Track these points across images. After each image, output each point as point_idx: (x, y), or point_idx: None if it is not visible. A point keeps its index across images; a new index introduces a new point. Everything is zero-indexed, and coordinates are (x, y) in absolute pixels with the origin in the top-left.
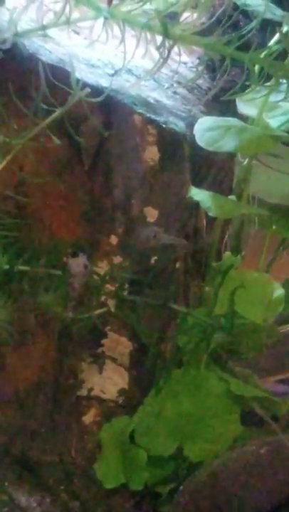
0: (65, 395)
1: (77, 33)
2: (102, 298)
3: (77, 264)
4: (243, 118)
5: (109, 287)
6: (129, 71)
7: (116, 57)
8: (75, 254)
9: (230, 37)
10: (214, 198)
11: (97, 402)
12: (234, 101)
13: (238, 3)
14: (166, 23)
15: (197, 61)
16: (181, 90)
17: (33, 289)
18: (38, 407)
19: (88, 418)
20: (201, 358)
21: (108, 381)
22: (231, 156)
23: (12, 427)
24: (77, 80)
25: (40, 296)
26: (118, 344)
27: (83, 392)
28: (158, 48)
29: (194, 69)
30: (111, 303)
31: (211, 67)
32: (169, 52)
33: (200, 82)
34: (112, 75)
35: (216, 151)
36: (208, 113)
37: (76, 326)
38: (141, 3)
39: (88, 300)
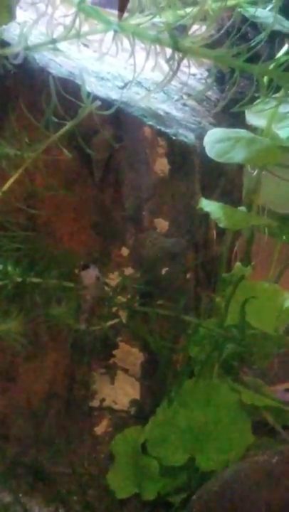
0: (77, 405)
1: (86, 46)
2: (114, 309)
3: (89, 276)
4: (252, 129)
5: (121, 298)
6: (139, 83)
7: (125, 70)
8: (86, 267)
9: (240, 49)
10: (224, 209)
11: (109, 413)
12: (243, 112)
13: (247, 15)
14: (176, 36)
15: (206, 73)
16: (190, 102)
17: (45, 300)
18: (51, 418)
19: (100, 429)
20: (212, 368)
21: (120, 392)
22: (240, 167)
23: (25, 438)
24: (88, 93)
25: (53, 308)
26: (129, 355)
27: (95, 403)
28: (168, 61)
29: (203, 81)
30: (122, 314)
31: (220, 79)
32: (179, 64)
33: (209, 93)
34: (122, 88)
35: (226, 162)
36: (217, 124)
37: (88, 338)
38: (150, 17)
39: (100, 311)
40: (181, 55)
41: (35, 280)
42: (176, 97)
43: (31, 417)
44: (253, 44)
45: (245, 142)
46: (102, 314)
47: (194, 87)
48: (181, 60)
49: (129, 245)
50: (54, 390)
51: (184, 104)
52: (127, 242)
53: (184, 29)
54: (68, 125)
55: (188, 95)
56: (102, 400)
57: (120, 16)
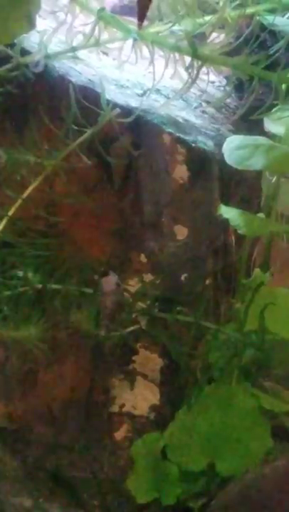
0: (97, 411)
1: (105, 53)
2: (134, 315)
3: (109, 282)
4: (270, 136)
5: (140, 305)
6: (158, 91)
7: (144, 78)
8: (106, 273)
9: (258, 56)
10: (243, 215)
11: (129, 418)
12: (261, 120)
13: (265, 22)
14: (195, 44)
15: (224, 80)
16: (209, 109)
17: (65, 307)
18: (70, 424)
19: (120, 434)
20: (231, 374)
21: (139, 397)
22: (258, 173)
23: (45, 443)
24: (108, 101)
25: (73, 314)
26: (149, 361)
27: (115, 409)
28: (187, 69)
29: (222, 88)
30: (142, 320)
31: (239, 86)
32: (198, 72)
33: (228, 101)
34: (141, 95)
35: (244, 169)
36: (236, 132)
37: (108, 344)
38: (170, 25)
39: (120, 318)
40: (200, 63)
41: (56, 286)
42: (195, 105)
43: (51, 422)
44: (271, 52)
45: (264, 149)
46: (122, 320)
47: (213, 94)
48: (200, 67)
49: (148, 252)
50: (74, 396)
51: (203, 112)
52: (146, 249)
53: (202, 37)
54: (88, 133)
55: (207, 102)
56: (122, 406)
57: (140, 25)
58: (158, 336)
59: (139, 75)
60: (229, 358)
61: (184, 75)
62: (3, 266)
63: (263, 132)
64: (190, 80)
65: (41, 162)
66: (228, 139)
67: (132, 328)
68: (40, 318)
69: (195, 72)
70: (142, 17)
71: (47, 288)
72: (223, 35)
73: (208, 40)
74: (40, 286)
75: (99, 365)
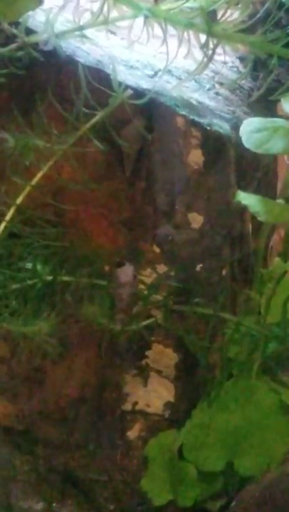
0: (109, 409)
1: (113, 33)
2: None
3: (126, 273)
4: (286, 118)
5: (156, 297)
6: (169, 72)
7: (155, 58)
8: (121, 264)
9: (277, 34)
10: (263, 202)
11: (142, 417)
12: (274, 101)
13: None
14: (210, 21)
15: (237, 61)
16: (223, 91)
17: (77, 300)
18: (81, 423)
19: (133, 433)
20: (251, 369)
21: (153, 394)
22: (275, 158)
23: (55, 443)
24: (119, 83)
25: (85, 307)
26: (163, 356)
27: (127, 407)
28: (202, 47)
29: (235, 69)
30: (156, 313)
31: (253, 67)
32: (214, 51)
33: (242, 82)
34: (152, 77)
35: (264, 153)
36: (252, 114)
37: (123, 338)
38: (183, 1)
39: (136, 311)
40: (216, 41)
41: (66, 279)
42: (208, 86)
43: (61, 421)
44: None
45: (284, 132)
46: (138, 313)
47: (226, 75)
48: (216, 46)
49: (161, 241)
50: (84, 394)
51: (217, 93)
52: (159, 238)
53: (213, 16)
54: (98, 116)
55: (221, 84)
56: (135, 403)
57: (156, 1)
58: (175, 329)
59: (149, 55)
60: (250, 352)
61: (198, 55)
62: (11, 258)
63: (277, 114)
64: (205, 60)
65: (51, 147)
66: (245, 122)
67: (147, 321)
68: (50, 313)
69: (210, 51)
70: None
71: (57, 280)
72: (234, 14)
73: (220, 19)
74: (49, 278)
75: (110, 361)
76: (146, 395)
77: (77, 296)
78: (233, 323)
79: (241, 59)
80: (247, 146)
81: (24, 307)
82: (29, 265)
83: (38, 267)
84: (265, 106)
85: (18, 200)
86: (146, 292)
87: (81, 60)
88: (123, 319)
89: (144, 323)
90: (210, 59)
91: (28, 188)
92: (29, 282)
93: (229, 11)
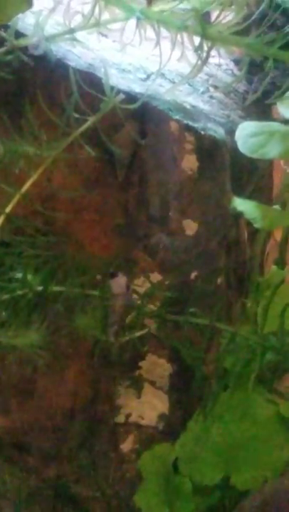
0: (101, 421)
1: (105, 35)
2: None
3: (119, 284)
4: (282, 122)
5: (151, 307)
6: (162, 75)
7: (147, 61)
8: (114, 274)
9: (273, 36)
10: (259, 208)
11: (136, 429)
12: (269, 104)
13: (279, 0)
14: (205, 23)
15: (232, 63)
16: (217, 94)
17: (69, 310)
18: (73, 436)
19: (126, 446)
20: (247, 380)
21: (147, 406)
22: (271, 162)
23: (45, 457)
24: (111, 87)
25: (77, 318)
26: (157, 366)
27: (120, 419)
28: (196, 50)
29: (229, 71)
30: (150, 323)
31: (248, 69)
32: (208, 53)
33: (236, 85)
34: (145, 80)
35: (260, 158)
36: (247, 118)
37: (116, 351)
38: (177, 3)
39: (129, 322)
40: (210, 44)
41: (57, 289)
42: (202, 89)
43: (52, 434)
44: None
45: (280, 136)
46: (131, 324)
47: (220, 78)
48: (210, 48)
49: (154, 249)
50: (76, 405)
51: (211, 97)
52: (152, 246)
53: (206, 17)
54: (90, 121)
55: (215, 87)
56: (128, 415)
57: (149, 1)
58: (169, 340)
59: (141, 58)
60: (246, 363)
61: (191, 58)
62: (0, 267)
63: (271, 118)
64: (200, 62)
65: (41, 153)
66: (240, 126)
67: (141, 332)
68: (41, 324)
69: (205, 53)
70: None
71: (48, 290)
72: (229, 16)
73: (214, 21)
74: (40, 288)
75: (103, 372)
76: (139, 407)
77: (69, 306)
78: (230, 333)
79: (236, 61)
80: (243, 151)
81: (14, 318)
82: (19, 275)
83: (29, 276)
84: (261, 109)
85: (8, 209)
86: (139, 302)
87: (72, 64)
88: (116, 332)
89: (138, 333)
90: (204, 62)
91: (17, 196)
92: (19, 292)
93: (223, 13)
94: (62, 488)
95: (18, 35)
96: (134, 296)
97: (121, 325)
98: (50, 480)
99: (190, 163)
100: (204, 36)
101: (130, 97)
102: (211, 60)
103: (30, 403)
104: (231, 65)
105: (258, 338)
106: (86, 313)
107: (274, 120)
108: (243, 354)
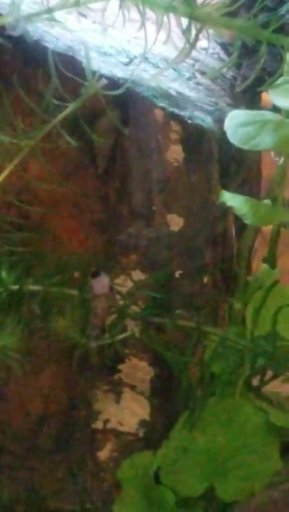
0: (78, 428)
1: (84, 16)
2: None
3: (101, 284)
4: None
5: (134, 308)
6: (146, 59)
7: (129, 44)
8: (96, 273)
9: (267, 18)
10: (249, 203)
11: (114, 436)
12: (259, 91)
13: None
14: (193, 4)
15: (218, 47)
16: (204, 80)
17: (46, 311)
18: (47, 443)
19: (104, 453)
20: (235, 385)
21: (126, 412)
22: (259, 154)
23: (18, 467)
24: (93, 71)
25: (55, 319)
26: (137, 370)
27: (98, 425)
28: (184, 32)
29: (216, 55)
30: (131, 324)
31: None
32: (197, 36)
33: (223, 70)
34: (128, 64)
35: (251, 149)
36: (236, 106)
37: (95, 353)
38: None
39: (111, 325)
40: (199, 26)
41: (34, 288)
42: (187, 75)
43: (24, 441)
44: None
45: (273, 126)
46: (113, 326)
47: (207, 63)
48: (199, 31)
49: (137, 245)
50: (51, 410)
51: (197, 83)
52: (134, 242)
53: None
54: (70, 108)
55: (202, 73)
56: (106, 421)
57: None
58: (152, 343)
59: (123, 41)
60: (235, 368)
61: (177, 41)
62: None
63: (261, 106)
64: (187, 46)
65: (18, 143)
66: (230, 115)
67: (123, 335)
68: (15, 326)
69: (193, 36)
70: None
71: (23, 289)
72: None
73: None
74: (15, 287)
75: (80, 376)
76: (118, 413)
77: (46, 307)
78: (217, 336)
79: (223, 45)
80: (232, 142)
81: None
82: None
83: (3, 274)
84: (249, 96)
85: None
86: (122, 303)
87: (50, 46)
88: (97, 335)
89: (120, 336)
90: (193, 45)
91: None
92: None
93: None
94: (36, 502)
95: None
96: (117, 296)
97: (103, 328)
98: (23, 495)
99: (175, 153)
100: (193, 18)
101: (112, 83)
102: (199, 43)
103: (2, 408)
104: (218, 49)
105: (248, 342)
106: (64, 315)
107: (263, 108)
108: (231, 358)
